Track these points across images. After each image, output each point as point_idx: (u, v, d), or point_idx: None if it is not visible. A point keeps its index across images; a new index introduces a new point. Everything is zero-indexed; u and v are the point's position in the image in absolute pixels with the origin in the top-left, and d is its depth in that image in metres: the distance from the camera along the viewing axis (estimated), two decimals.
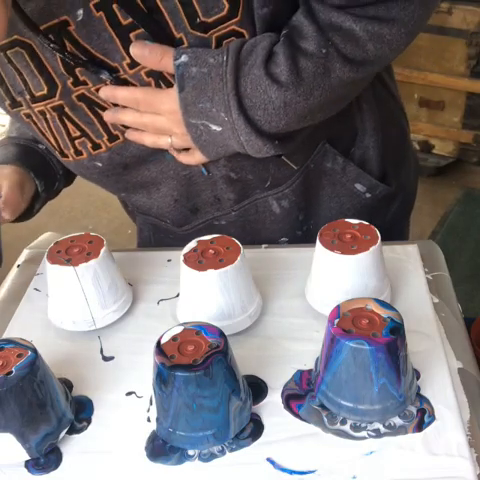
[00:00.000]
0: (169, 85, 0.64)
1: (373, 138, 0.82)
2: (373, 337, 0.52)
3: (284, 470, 0.53)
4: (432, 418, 0.56)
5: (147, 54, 0.60)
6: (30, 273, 0.80)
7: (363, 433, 0.55)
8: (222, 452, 0.55)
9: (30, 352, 0.54)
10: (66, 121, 0.70)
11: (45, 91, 0.66)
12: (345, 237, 0.66)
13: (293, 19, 0.63)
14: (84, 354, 0.67)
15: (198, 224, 0.83)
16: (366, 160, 0.83)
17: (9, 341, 0.56)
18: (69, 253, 0.67)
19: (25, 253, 0.85)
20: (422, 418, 0.56)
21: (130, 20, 0.59)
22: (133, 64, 0.63)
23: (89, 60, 0.62)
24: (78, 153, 0.73)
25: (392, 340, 0.52)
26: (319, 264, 0.67)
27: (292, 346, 0.65)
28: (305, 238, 0.85)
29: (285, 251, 0.81)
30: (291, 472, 0.53)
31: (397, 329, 0.53)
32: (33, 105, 0.69)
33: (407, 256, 0.77)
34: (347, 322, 0.54)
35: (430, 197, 2.43)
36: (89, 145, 0.72)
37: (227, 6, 0.57)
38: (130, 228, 2.41)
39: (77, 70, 0.64)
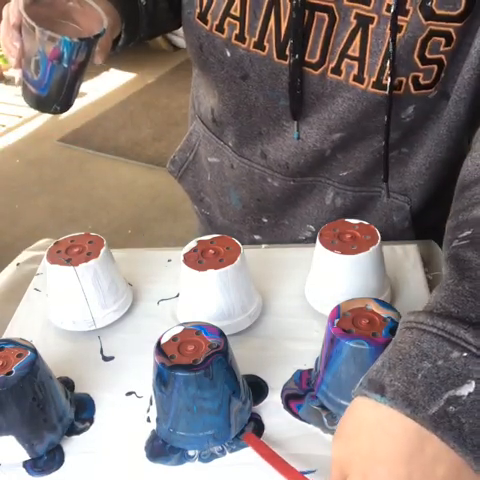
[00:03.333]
0: None
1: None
2: (373, 337, 0.52)
3: None
4: None
5: None
6: (30, 273, 0.80)
7: None
8: (222, 452, 0.55)
9: (30, 352, 0.54)
10: None
11: None
12: (345, 237, 0.66)
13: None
14: (84, 354, 0.67)
15: (257, 168, 0.80)
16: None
17: (9, 341, 0.56)
18: (69, 253, 0.67)
19: (25, 254, 0.84)
20: None
21: None
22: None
23: None
24: (220, 29, 0.68)
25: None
26: (319, 264, 0.67)
27: (292, 346, 0.65)
28: None
29: (285, 251, 0.81)
30: None
31: (397, 329, 0.53)
32: None
33: (407, 256, 0.77)
34: (347, 322, 0.54)
35: None
36: (236, 31, 0.67)
37: (463, 6, 0.57)
38: (130, 228, 2.42)
39: None
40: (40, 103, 0.65)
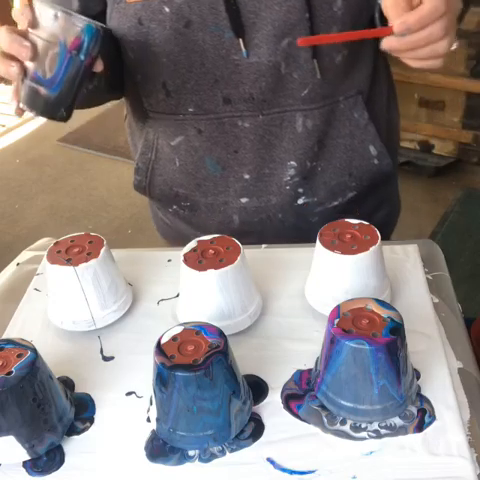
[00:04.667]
0: None
1: (391, 114, 0.90)
2: (373, 337, 0.52)
3: (284, 470, 0.53)
4: (432, 418, 0.56)
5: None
6: (30, 273, 0.80)
7: (363, 434, 0.55)
8: (222, 452, 0.55)
9: (30, 352, 0.54)
10: None
11: None
12: (345, 237, 0.66)
13: None
14: (84, 354, 0.67)
15: (224, 116, 0.82)
16: (382, 131, 0.88)
17: (9, 341, 0.56)
18: (69, 253, 0.67)
19: (25, 254, 0.84)
20: (422, 418, 0.56)
21: None
22: None
23: None
24: None
25: (392, 340, 0.52)
26: (319, 264, 0.67)
27: (292, 346, 0.65)
28: (308, 176, 0.87)
29: (285, 251, 0.81)
30: (291, 472, 0.53)
31: (397, 329, 0.53)
32: None
33: (407, 256, 0.77)
34: (347, 322, 0.54)
35: (430, 197, 2.43)
36: None
37: None
38: (130, 228, 2.42)
39: None
40: (48, 106, 0.65)
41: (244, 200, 0.89)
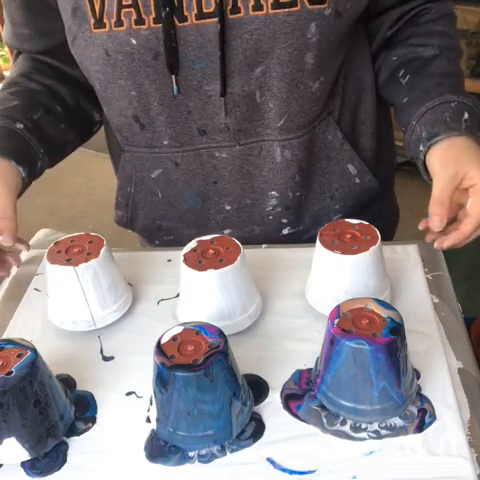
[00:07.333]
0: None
1: (371, 129, 0.87)
2: (373, 337, 0.52)
3: (284, 470, 0.53)
4: (433, 418, 0.56)
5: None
6: (30, 273, 0.80)
7: (363, 434, 0.55)
8: (222, 452, 0.55)
9: (30, 352, 0.54)
10: None
11: None
12: (345, 237, 0.66)
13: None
14: (84, 354, 0.67)
15: (200, 148, 0.80)
16: (361, 149, 0.87)
17: (9, 341, 0.56)
18: (69, 253, 0.67)
19: (25, 253, 0.84)
20: (423, 418, 0.56)
21: None
22: None
23: None
24: (118, 23, 0.71)
25: (392, 340, 0.52)
26: (319, 264, 0.67)
27: (292, 346, 0.65)
28: (294, 205, 0.86)
29: (285, 251, 0.81)
30: (291, 472, 0.53)
31: (397, 329, 0.53)
32: None
33: (407, 256, 0.77)
34: (347, 322, 0.54)
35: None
36: (133, 17, 0.71)
37: None
38: None
39: None
40: None
41: (227, 231, 0.88)
